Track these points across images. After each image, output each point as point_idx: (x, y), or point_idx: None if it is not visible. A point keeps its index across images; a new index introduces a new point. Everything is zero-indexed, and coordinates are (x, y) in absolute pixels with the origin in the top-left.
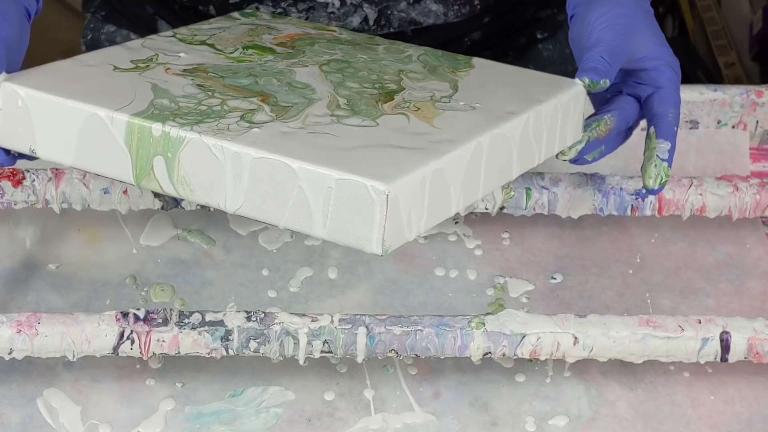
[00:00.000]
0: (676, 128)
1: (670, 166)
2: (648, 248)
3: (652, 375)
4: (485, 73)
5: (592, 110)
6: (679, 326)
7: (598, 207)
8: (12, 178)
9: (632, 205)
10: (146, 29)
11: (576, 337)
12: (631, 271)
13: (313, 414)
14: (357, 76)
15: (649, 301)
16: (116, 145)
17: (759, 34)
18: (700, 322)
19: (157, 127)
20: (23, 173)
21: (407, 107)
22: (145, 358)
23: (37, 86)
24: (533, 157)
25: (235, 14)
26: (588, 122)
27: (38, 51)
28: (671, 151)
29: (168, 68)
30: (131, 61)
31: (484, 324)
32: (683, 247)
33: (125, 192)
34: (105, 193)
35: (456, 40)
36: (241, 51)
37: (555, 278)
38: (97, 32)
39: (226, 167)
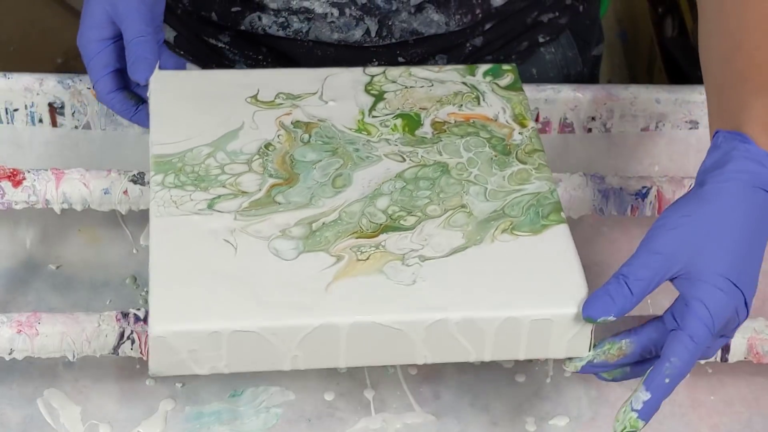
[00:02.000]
0: (667, 380)
1: (642, 419)
2: None
3: None
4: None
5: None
6: None
7: (598, 207)
8: (12, 178)
9: (632, 205)
10: None
11: None
12: None
13: (313, 414)
14: None
15: (649, 301)
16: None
17: None
18: None
19: None
20: (23, 173)
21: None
22: (145, 358)
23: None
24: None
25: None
26: (601, 342)
27: (39, 52)
28: (648, 404)
29: None
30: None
31: None
32: None
33: (125, 192)
34: (105, 193)
35: (458, 46)
36: None
37: None
38: None
39: None
